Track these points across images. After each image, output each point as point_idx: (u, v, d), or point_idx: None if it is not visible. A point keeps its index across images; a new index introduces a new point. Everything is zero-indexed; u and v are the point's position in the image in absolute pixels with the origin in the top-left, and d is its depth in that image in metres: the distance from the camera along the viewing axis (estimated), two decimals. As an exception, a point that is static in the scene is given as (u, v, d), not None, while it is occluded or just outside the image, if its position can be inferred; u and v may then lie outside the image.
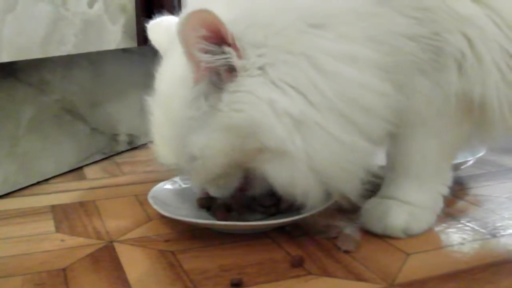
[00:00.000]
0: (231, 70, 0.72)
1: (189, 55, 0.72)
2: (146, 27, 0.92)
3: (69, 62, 1.17)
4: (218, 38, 0.71)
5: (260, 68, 0.72)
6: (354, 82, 0.72)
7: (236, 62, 0.71)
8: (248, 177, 0.82)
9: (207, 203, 0.90)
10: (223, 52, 0.71)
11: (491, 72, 0.76)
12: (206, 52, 0.71)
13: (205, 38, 0.71)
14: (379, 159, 1.01)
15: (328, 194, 0.80)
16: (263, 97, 0.71)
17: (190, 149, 0.77)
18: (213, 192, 0.85)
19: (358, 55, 0.73)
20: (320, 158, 0.73)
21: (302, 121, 0.71)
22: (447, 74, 0.77)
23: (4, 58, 0.96)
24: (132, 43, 1.24)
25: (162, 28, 0.90)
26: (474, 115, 0.80)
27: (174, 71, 0.79)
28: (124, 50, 1.28)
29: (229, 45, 0.71)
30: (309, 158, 0.72)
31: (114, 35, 1.20)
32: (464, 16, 0.75)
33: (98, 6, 1.15)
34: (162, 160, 0.84)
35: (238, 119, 0.72)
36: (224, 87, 0.73)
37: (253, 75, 0.72)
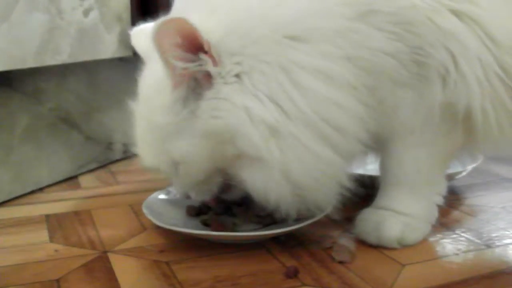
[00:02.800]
0: (209, 77, 0.73)
1: (165, 61, 0.73)
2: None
3: (64, 71, 1.17)
4: (194, 46, 0.72)
5: (236, 75, 0.73)
6: (327, 100, 0.73)
7: (211, 69, 0.73)
8: (227, 183, 0.82)
9: (194, 211, 0.91)
10: (199, 59, 0.72)
11: (475, 88, 0.76)
12: (181, 59, 0.72)
13: (180, 46, 0.72)
14: (370, 169, 1.02)
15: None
16: (239, 104, 0.73)
17: (171, 154, 0.79)
18: (194, 196, 0.86)
19: (333, 73, 0.73)
20: (293, 168, 0.74)
21: (278, 129, 0.73)
22: (431, 86, 0.77)
23: (-1, 67, 0.96)
24: (127, 52, 1.24)
25: (145, 34, 0.89)
26: (460, 125, 0.81)
27: (154, 76, 0.79)
28: (119, 59, 1.28)
29: (205, 52, 0.72)
30: (283, 167, 0.74)
31: (109, 44, 1.20)
32: (448, 31, 0.75)
33: (93, 15, 1.15)
34: (145, 163, 0.85)
35: (216, 126, 0.74)
36: (202, 93, 0.74)
37: (229, 82, 0.73)
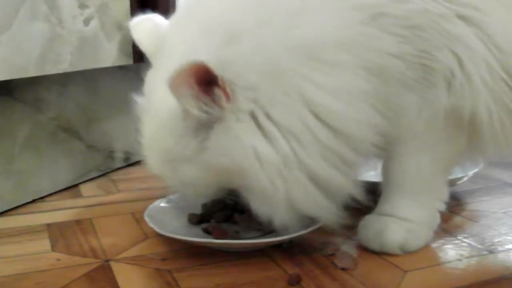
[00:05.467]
0: (221, 110, 0.73)
1: (181, 104, 0.72)
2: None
3: (65, 79, 1.17)
4: (209, 81, 0.71)
5: (249, 112, 0.73)
6: (348, 118, 0.74)
7: (224, 105, 0.72)
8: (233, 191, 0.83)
9: (196, 219, 0.91)
10: (213, 94, 0.72)
11: (480, 91, 0.76)
12: (197, 100, 0.72)
13: (197, 91, 0.71)
14: (372, 175, 1.02)
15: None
16: (248, 144, 0.73)
17: (179, 176, 0.79)
18: (201, 200, 0.88)
19: (350, 87, 0.74)
20: (301, 201, 0.76)
21: (285, 168, 0.73)
22: (436, 90, 0.78)
23: (0, 77, 0.96)
24: (128, 60, 1.24)
25: (147, 28, 0.89)
26: (464, 130, 0.81)
27: (164, 96, 0.75)
28: (120, 67, 1.28)
29: (219, 86, 0.71)
30: (289, 201, 0.75)
31: (110, 53, 1.20)
32: (454, 35, 0.75)
33: (94, 24, 1.15)
34: (153, 171, 0.84)
35: (223, 162, 0.74)
36: (213, 125, 0.74)
37: (240, 120, 0.73)
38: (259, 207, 0.78)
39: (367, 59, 0.74)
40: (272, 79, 0.73)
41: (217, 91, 0.71)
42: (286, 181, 0.74)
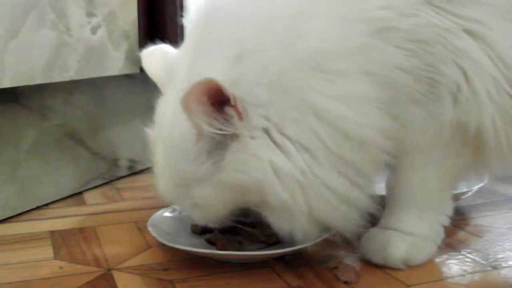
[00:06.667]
0: (234, 129, 0.72)
1: (193, 123, 0.72)
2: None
3: (71, 87, 1.17)
4: (220, 101, 0.71)
5: (263, 129, 0.73)
6: (356, 122, 0.73)
7: (237, 124, 0.72)
8: (247, 212, 0.82)
9: (199, 229, 0.91)
10: (226, 114, 0.72)
11: (486, 105, 0.76)
12: (209, 119, 0.71)
13: (209, 109, 0.71)
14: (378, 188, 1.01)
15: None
16: (265, 159, 0.72)
17: (192, 198, 0.78)
18: (212, 225, 0.85)
19: (357, 91, 0.74)
20: (321, 212, 0.75)
21: (304, 180, 0.73)
22: (442, 105, 0.77)
23: (7, 83, 0.96)
24: (134, 69, 1.24)
25: (157, 57, 0.89)
26: (470, 145, 0.81)
27: (176, 121, 0.76)
28: (126, 76, 1.28)
29: (231, 105, 0.71)
30: (310, 212, 0.75)
31: (116, 61, 1.20)
32: (460, 49, 0.75)
33: (101, 33, 1.15)
34: (165, 198, 0.84)
35: (241, 180, 0.74)
36: (228, 145, 0.74)
37: (255, 136, 0.73)
38: (280, 222, 0.77)
39: (373, 70, 0.74)
40: (281, 93, 0.73)
41: (229, 111, 0.71)
42: (306, 193, 0.74)
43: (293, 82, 0.73)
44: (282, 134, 0.73)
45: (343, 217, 0.77)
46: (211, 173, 0.75)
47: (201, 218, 0.82)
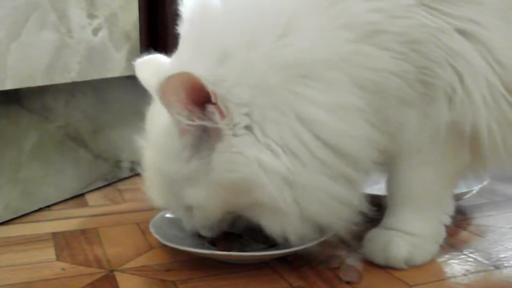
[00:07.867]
0: (218, 128, 0.73)
1: (171, 115, 0.73)
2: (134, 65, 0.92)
3: (72, 89, 1.18)
4: (201, 98, 0.71)
5: (246, 127, 0.73)
6: (342, 133, 0.73)
7: (219, 122, 0.72)
8: (239, 220, 0.83)
9: None
10: (207, 111, 0.72)
11: (481, 107, 0.76)
12: (187, 114, 0.72)
13: (185, 101, 0.71)
14: (377, 188, 1.01)
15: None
16: (252, 157, 0.72)
17: (184, 200, 0.79)
18: (205, 233, 0.85)
19: (343, 102, 0.73)
20: (311, 212, 0.75)
21: (291, 178, 0.73)
22: (437, 106, 0.77)
23: (9, 85, 0.97)
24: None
25: (151, 67, 0.90)
26: (467, 144, 0.81)
27: (161, 120, 0.78)
28: (128, 77, 1.28)
29: (213, 103, 0.71)
30: (301, 212, 0.75)
31: (118, 63, 1.21)
32: (455, 50, 0.75)
33: (102, 34, 1.15)
34: (156, 204, 0.85)
35: (231, 179, 0.74)
36: (214, 145, 0.74)
37: (238, 134, 0.73)
38: (271, 223, 0.77)
39: (361, 77, 0.74)
40: (263, 95, 0.73)
41: (210, 108, 0.72)
42: (294, 190, 0.74)
43: (274, 86, 0.73)
44: (265, 134, 0.73)
45: (335, 216, 0.77)
46: (202, 174, 0.75)
47: (194, 222, 0.83)
